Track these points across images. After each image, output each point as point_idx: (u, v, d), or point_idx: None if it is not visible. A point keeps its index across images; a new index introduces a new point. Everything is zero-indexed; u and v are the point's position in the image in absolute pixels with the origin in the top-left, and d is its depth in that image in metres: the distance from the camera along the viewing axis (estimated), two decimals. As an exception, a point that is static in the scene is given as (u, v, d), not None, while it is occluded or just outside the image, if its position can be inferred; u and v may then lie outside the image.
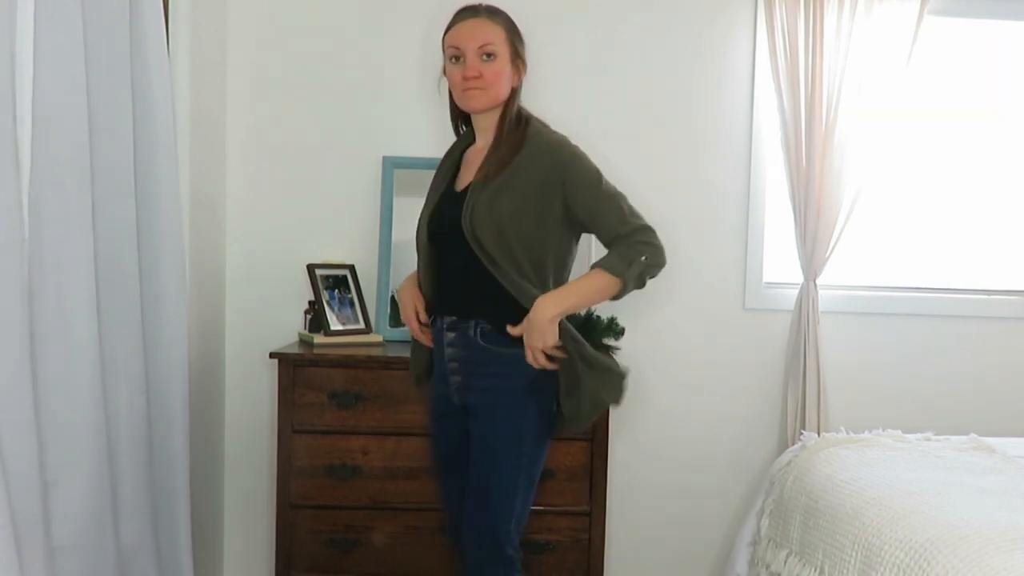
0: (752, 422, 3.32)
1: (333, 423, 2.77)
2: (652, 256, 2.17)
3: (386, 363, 2.78)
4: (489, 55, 2.18)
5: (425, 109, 3.08)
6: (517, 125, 2.22)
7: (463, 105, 2.25)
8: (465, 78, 2.19)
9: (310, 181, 3.19)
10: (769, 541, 2.64)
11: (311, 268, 3.01)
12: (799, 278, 3.24)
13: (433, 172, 2.40)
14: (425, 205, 2.33)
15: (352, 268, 3.10)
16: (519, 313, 2.14)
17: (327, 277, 3.03)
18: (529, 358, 2.14)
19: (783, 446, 3.22)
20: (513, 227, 2.13)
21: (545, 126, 2.27)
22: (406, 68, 3.15)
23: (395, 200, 3.12)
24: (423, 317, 2.33)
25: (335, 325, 2.97)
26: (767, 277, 3.30)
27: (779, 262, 3.30)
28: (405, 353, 2.77)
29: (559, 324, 2.15)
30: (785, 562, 2.50)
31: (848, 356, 3.30)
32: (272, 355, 2.79)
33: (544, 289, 2.16)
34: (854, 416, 3.23)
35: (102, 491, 2.18)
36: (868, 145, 3.17)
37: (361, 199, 3.19)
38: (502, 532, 2.21)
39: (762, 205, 3.27)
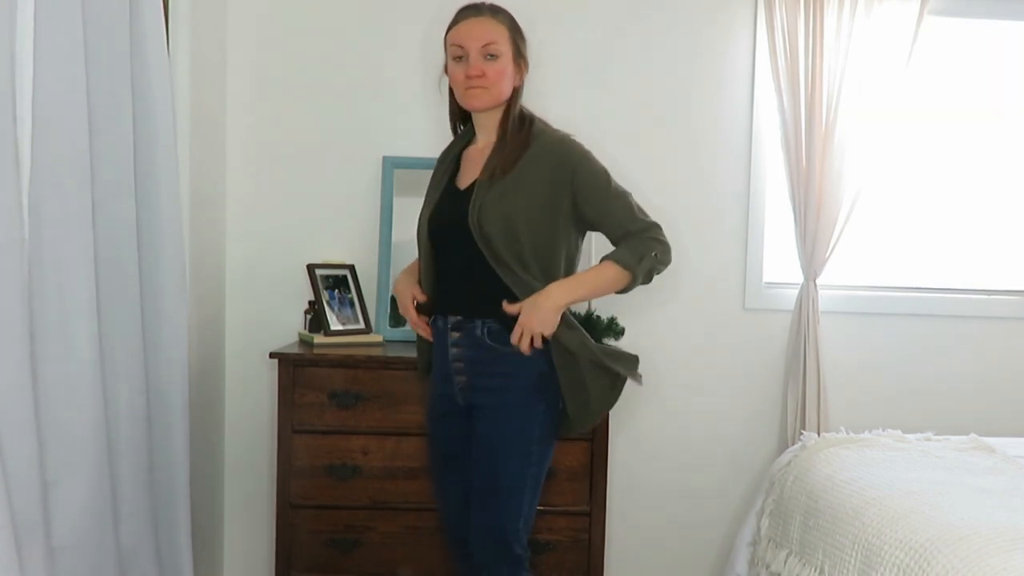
0: (752, 422, 3.32)
1: (333, 423, 2.77)
2: (661, 253, 2.21)
3: (386, 363, 2.78)
4: (492, 54, 2.19)
5: (425, 109, 3.08)
6: (521, 124, 2.23)
7: (465, 104, 2.25)
8: (468, 77, 2.19)
9: (310, 181, 3.19)
10: (769, 541, 2.64)
11: (311, 268, 3.01)
12: (799, 278, 3.24)
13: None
14: (425, 203, 2.33)
15: (352, 268, 3.10)
16: None
17: (327, 277, 3.03)
18: (516, 337, 2.14)
19: (783, 446, 3.22)
20: (524, 225, 2.14)
21: (547, 125, 2.28)
22: (406, 68, 3.15)
23: (395, 200, 3.12)
24: (420, 298, 2.31)
25: (335, 325, 2.97)
26: (767, 277, 3.30)
27: (779, 262, 3.30)
28: (405, 353, 2.78)
29: (573, 325, 2.18)
30: (785, 562, 2.50)
31: (848, 356, 3.30)
32: (272, 355, 2.79)
33: None
34: (854, 416, 3.23)
35: (102, 491, 2.18)
36: (868, 145, 3.17)
37: (361, 199, 3.19)
38: (510, 531, 2.21)
39: (762, 205, 3.27)
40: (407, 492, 2.77)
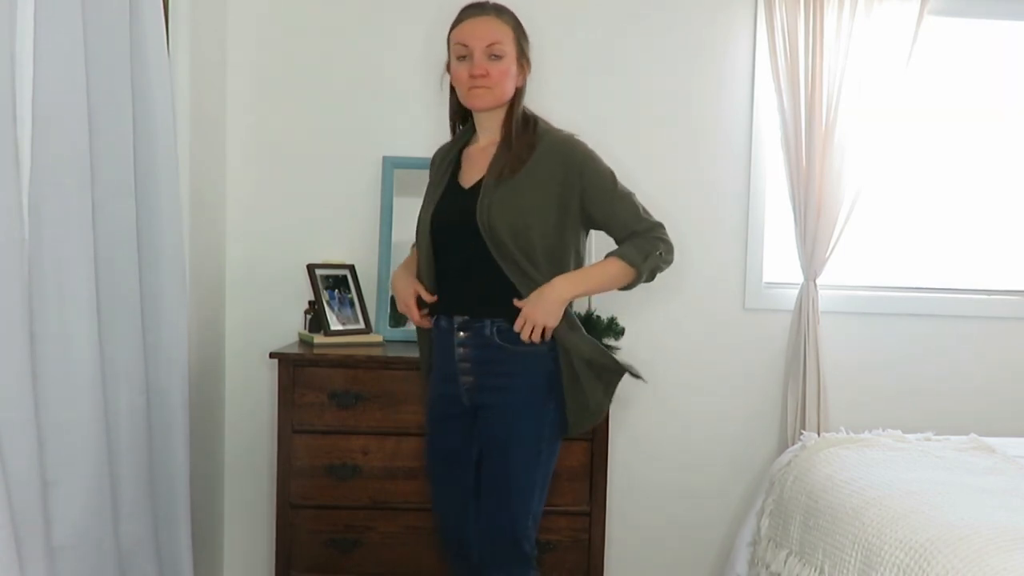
0: (752, 422, 3.32)
1: (333, 423, 2.77)
2: (666, 252, 2.25)
3: (386, 363, 2.78)
4: (497, 54, 2.19)
5: (425, 109, 3.08)
6: (526, 125, 2.24)
7: (468, 103, 2.25)
8: (472, 76, 2.19)
9: (310, 181, 3.19)
10: (769, 541, 2.64)
11: (311, 268, 3.01)
12: (799, 278, 3.24)
13: (432, 172, 2.41)
14: (425, 202, 2.32)
15: (352, 268, 3.10)
16: None
17: (327, 277, 3.03)
18: (519, 324, 2.15)
19: (783, 446, 3.22)
20: (534, 224, 2.15)
21: (550, 124, 2.29)
22: (406, 68, 3.15)
23: (395, 200, 3.12)
24: (426, 297, 2.29)
25: (335, 325, 2.97)
26: (767, 277, 3.31)
27: (779, 262, 3.30)
28: (405, 353, 2.79)
29: (575, 326, 2.20)
30: (785, 562, 2.50)
31: (848, 356, 3.30)
32: (272, 355, 2.79)
33: None
34: (854, 416, 3.23)
35: (102, 491, 2.18)
36: (868, 145, 3.17)
37: (361, 199, 3.19)
38: (520, 530, 2.21)
39: (762, 205, 3.27)
40: (407, 492, 2.77)
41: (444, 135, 2.44)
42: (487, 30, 2.19)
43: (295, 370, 2.76)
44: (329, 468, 2.77)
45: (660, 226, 2.26)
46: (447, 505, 2.35)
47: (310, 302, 3.05)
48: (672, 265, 2.30)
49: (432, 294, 2.29)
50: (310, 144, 3.19)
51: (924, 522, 2.05)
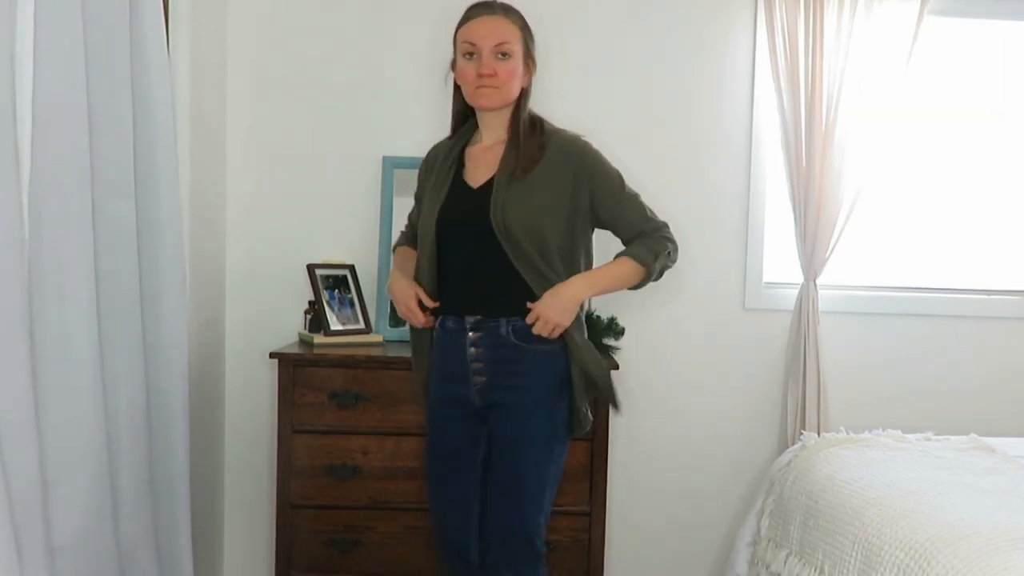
0: (752, 422, 3.32)
1: (333, 423, 2.77)
2: (673, 251, 2.29)
3: (386, 363, 2.78)
4: (505, 54, 2.19)
5: (425, 109, 3.08)
6: (533, 126, 2.25)
7: (474, 102, 2.24)
8: (480, 75, 2.18)
9: (310, 181, 3.19)
10: (769, 541, 2.64)
11: (311, 268, 3.01)
12: (799, 278, 3.24)
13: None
14: (429, 201, 2.28)
15: (352, 268, 3.10)
16: None
17: (327, 277, 3.03)
18: (532, 316, 2.16)
19: (783, 446, 3.22)
20: (548, 223, 2.17)
21: (553, 125, 2.30)
22: (406, 68, 3.15)
23: (395, 200, 3.12)
24: (427, 302, 2.27)
25: (335, 325, 2.97)
26: (767, 277, 3.30)
27: (779, 262, 3.30)
28: (405, 353, 2.77)
29: (583, 330, 2.24)
30: (785, 562, 2.50)
31: (848, 356, 3.30)
32: (272, 355, 2.79)
33: None
34: (854, 416, 3.23)
35: (102, 491, 2.17)
36: (868, 145, 3.17)
37: (361, 199, 3.19)
38: (533, 528, 2.22)
39: (762, 205, 3.27)
40: (407, 492, 2.77)
41: (444, 135, 2.43)
42: (496, 29, 2.19)
43: (295, 370, 2.76)
44: (329, 468, 2.77)
45: (666, 226, 2.29)
46: (449, 507, 2.32)
47: (310, 302, 3.05)
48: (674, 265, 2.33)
49: (432, 295, 2.27)
50: (310, 144, 3.19)
51: (924, 522, 2.05)
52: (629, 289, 2.29)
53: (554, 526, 2.77)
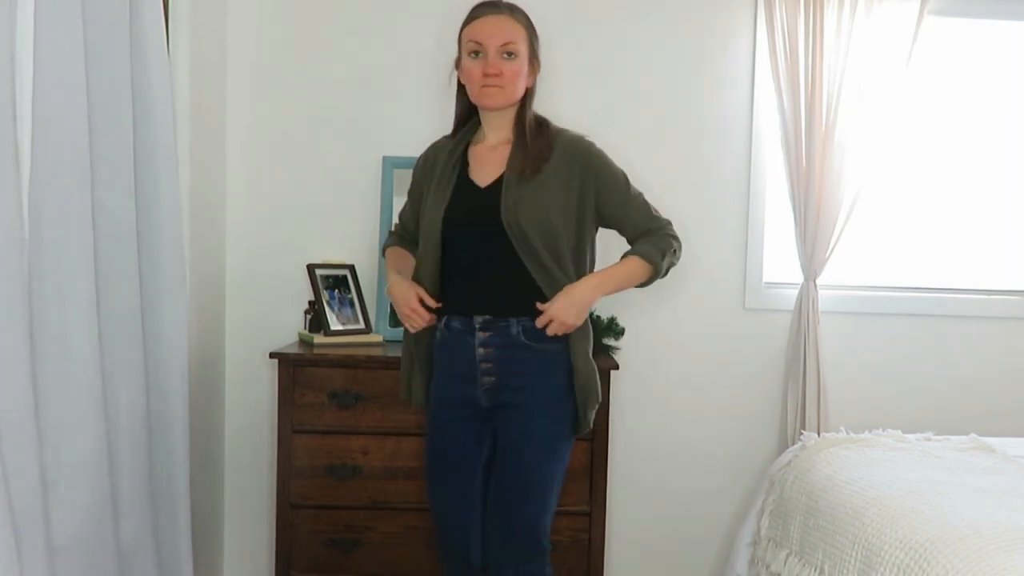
0: (752, 422, 3.32)
1: (333, 423, 2.77)
2: (679, 249, 2.32)
3: (386, 363, 2.78)
4: (511, 53, 2.19)
5: (425, 109, 3.08)
6: (539, 126, 2.25)
7: (480, 102, 2.23)
8: (486, 75, 2.18)
9: (310, 181, 3.19)
10: (769, 541, 2.64)
11: (311, 268, 3.01)
12: (799, 278, 3.24)
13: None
14: (434, 201, 2.25)
15: (352, 268, 3.10)
16: None
17: (327, 277, 3.03)
18: (543, 321, 2.16)
19: (783, 446, 3.22)
20: (559, 222, 2.17)
21: (556, 125, 2.31)
22: (406, 68, 3.15)
23: (395, 200, 3.12)
24: (430, 302, 2.23)
25: (335, 325, 2.97)
26: (767, 277, 3.31)
27: (779, 262, 3.30)
28: (405, 353, 2.78)
29: (589, 330, 2.25)
30: (785, 562, 2.50)
31: (848, 356, 3.30)
32: (272, 355, 2.79)
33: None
34: (854, 416, 3.23)
35: (102, 491, 2.17)
36: (868, 145, 3.17)
37: (361, 199, 3.19)
38: (540, 527, 2.23)
39: (762, 205, 3.27)
40: (407, 492, 2.77)
41: (444, 135, 2.42)
42: (502, 29, 2.19)
43: (295, 370, 2.76)
44: (329, 468, 2.77)
45: (670, 223, 2.32)
46: (451, 508, 2.30)
47: (310, 302, 3.05)
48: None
49: (434, 295, 2.24)
50: (310, 144, 3.19)
51: (924, 522, 2.05)
52: (637, 287, 2.31)
53: (554, 526, 2.74)
